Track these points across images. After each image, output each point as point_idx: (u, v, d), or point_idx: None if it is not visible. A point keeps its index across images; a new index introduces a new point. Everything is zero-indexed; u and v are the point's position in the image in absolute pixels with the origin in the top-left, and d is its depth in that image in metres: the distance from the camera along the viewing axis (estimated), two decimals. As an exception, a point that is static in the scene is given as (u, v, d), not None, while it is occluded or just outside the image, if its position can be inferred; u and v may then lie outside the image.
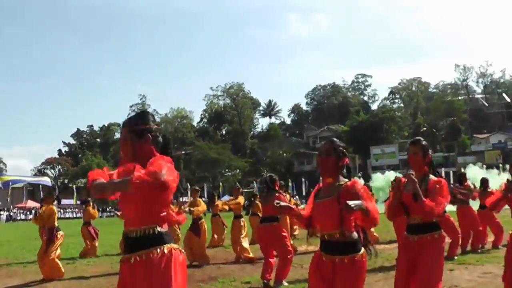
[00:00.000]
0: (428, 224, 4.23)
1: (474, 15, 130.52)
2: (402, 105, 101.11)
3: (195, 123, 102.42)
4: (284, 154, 79.34)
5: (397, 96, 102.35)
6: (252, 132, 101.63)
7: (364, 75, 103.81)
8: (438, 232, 4.25)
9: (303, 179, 57.75)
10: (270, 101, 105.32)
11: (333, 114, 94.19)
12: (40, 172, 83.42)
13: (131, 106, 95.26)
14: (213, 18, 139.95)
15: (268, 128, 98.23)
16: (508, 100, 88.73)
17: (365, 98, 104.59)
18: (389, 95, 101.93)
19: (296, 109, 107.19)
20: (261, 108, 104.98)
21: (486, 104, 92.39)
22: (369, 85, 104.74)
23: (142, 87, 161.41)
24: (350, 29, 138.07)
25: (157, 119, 3.35)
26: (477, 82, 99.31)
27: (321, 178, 3.87)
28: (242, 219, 11.79)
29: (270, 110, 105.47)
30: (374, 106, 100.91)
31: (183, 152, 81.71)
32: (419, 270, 4.11)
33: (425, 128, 79.70)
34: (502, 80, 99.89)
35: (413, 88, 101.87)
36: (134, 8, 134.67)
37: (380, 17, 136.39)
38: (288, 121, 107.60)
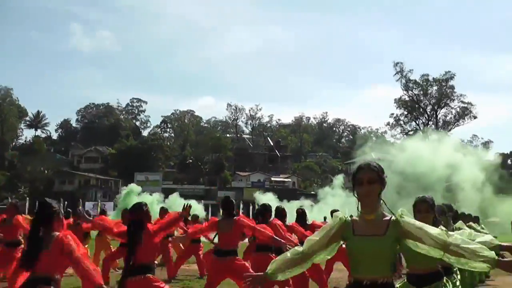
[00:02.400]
0: None
1: (244, 59, 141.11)
2: (173, 135, 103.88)
3: None
4: (46, 171, 75.32)
5: (169, 125, 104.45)
6: (14, 143, 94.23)
7: (139, 100, 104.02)
8: None
9: (61, 199, 55.39)
10: (38, 112, 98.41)
11: (103, 135, 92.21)
12: None
13: None
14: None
15: (32, 141, 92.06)
16: (272, 143, 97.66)
17: (138, 123, 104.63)
18: (161, 123, 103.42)
19: (64, 125, 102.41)
20: (27, 118, 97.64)
21: (251, 145, 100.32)
22: (143, 111, 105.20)
23: None
24: (133, 51, 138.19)
25: None
26: (246, 123, 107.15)
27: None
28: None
29: (37, 121, 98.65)
30: (145, 133, 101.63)
31: None
32: None
33: (191, 160, 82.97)
34: (268, 125, 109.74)
35: (186, 120, 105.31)
36: None
37: (163, 45, 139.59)
38: (54, 136, 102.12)
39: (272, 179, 77.11)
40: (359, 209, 3.39)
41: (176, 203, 30.74)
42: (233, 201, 7.46)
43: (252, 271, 6.46)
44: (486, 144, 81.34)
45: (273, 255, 7.19)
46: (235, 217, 7.12)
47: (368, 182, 3.30)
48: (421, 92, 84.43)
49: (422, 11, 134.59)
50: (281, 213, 8.60)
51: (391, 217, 3.33)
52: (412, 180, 35.01)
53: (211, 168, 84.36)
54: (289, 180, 79.76)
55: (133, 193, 32.15)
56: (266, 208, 8.37)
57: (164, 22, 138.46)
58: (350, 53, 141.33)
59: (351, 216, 3.45)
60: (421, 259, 3.87)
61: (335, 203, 31.89)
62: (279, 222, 8.00)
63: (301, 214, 9.19)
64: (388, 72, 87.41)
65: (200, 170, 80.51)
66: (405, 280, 4.23)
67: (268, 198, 32.85)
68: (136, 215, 5.70)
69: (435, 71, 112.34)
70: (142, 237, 5.48)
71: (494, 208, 35.30)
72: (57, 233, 4.33)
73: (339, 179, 45.76)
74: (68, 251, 4.22)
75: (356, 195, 3.39)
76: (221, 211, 7.55)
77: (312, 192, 62.96)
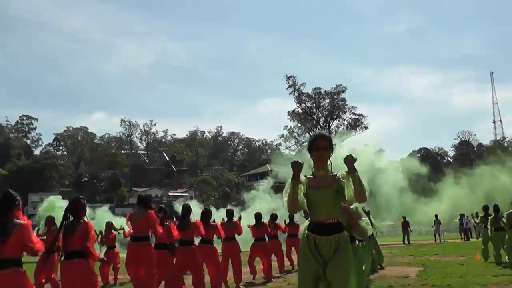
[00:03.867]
0: None
1: (136, 73, 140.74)
2: (66, 153, 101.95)
3: None
4: None
5: (62, 143, 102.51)
6: None
7: (29, 117, 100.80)
8: None
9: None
10: None
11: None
12: None
13: None
14: None
15: None
16: (167, 158, 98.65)
17: (29, 141, 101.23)
18: (53, 141, 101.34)
19: None
20: None
21: (147, 161, 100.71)
22: (34, 129, 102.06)
23: None
24: (20, 66, 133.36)
25: None
26: (141, 139, 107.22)
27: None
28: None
29: None
30: (37, 151, 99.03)
31: None
32: None
33: (86, 178, 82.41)
34: (163, 140, 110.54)
35: (79, 138, 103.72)
36: None
37: (51, 59, 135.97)
38: None
39: (170, 193, 78.50)
40: (312, 169, 4.65)
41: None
42: (150, 196, 9.50)
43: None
44: (378, 153, 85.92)
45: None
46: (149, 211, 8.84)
47: (323, 148, 4.56)
48: (314, 105, 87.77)
49: (313, 26, 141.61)
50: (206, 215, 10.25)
51: (336, 174, 4.56)
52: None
53: (107, 185, 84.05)
54: (186, 194, 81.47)
55: (56, 206, 31.61)
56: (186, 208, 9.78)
57: (53, 35, 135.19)
58: (243, 66, 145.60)
59: (305, 176, 4.56)
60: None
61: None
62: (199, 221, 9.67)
63: (205, 213, 10.39)
64: (281, 85, 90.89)
65: (96, 188, 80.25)
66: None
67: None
68: (74, 204, 6.26)
69: (327, 85, 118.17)
70: (77, 226, 6.12)
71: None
72: (21, 221, 5.00)
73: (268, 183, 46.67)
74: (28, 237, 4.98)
75: (312, 157, 4.64)
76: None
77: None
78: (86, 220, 6.26)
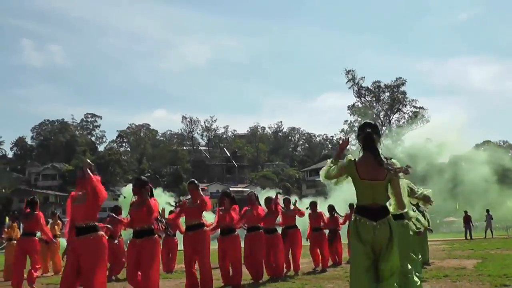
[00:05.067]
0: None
1: (197, 71, 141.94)
2: (129, 149, 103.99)
3: None
4: (3, 190, 74.67)
5: (125, 140, 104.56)
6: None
7: (94, 115, 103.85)
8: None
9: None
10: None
11: (59, 151, 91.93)
12: None
13: None
14: None
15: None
16: (228, 154, 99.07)
17: (93, 138, 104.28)
18: (117, 138, 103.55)
19: (20, 143, 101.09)
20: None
21: (208, 156, 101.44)
22: (98, 126, 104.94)
23: None
24: (84, 66, 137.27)
25: None
26: (202, 135, 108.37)
27: None
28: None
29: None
30: (101, 148, 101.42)
31: None
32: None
33: (149, 174, 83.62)
34: (224, 136, 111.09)
35: (142, 134, 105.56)
36: None
37: (114, 59, 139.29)
38: (10, 154, 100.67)
39: (231, 189, 78.31)
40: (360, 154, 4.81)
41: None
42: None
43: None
44: (439, 146, 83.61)
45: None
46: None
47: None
48: (374, 99, 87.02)
49: (372, 20, 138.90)
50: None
51: (387, 160, 4.78)
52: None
53: (169, 180, 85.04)
54: (247, 189, 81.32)
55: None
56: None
57: (115, 35, 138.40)
58: (303, 61, 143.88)
59: (354, 159, 4.75)
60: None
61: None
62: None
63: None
64: (341, 79, 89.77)
65: (158, 183, 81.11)
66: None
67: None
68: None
69: (386, 78, 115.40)
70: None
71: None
72: None
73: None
74: None
75: (360, 144, 4.84)
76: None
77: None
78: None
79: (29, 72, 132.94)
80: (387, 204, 4.80)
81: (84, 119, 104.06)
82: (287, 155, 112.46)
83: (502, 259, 13.04)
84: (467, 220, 31.04)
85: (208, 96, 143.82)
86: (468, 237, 29.66)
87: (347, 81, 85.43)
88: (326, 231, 13.14)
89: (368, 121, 5.06)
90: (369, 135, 4.72)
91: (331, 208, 13.72)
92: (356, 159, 4.73)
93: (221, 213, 9.09)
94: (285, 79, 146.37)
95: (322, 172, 4.88)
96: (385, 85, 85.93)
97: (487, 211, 31.87)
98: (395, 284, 4.54)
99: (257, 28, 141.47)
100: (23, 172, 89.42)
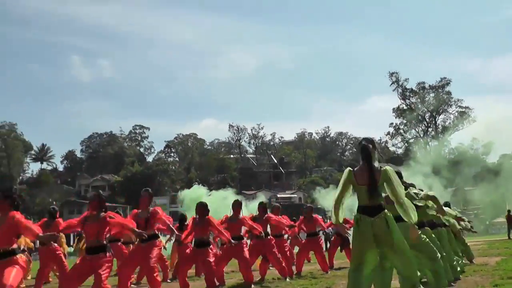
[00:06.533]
0: None
1: (242, 79, 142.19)
2: (177, 159, 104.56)
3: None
4: (54, 202, 75.88)
5: (173, 150, 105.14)
6: (21, 177, 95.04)
7: (142, 127, 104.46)
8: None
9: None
10: (43, 145, 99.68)
11: (107, 163, 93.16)
12: None
13: None
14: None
15: (39, 174, 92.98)
16: (275, 161, 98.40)
17: (141, 149, 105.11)
18: (165, 148, 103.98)
19: (70, 156, 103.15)
20: (32, 152, 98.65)
21: (255, 164, 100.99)
22: (147, 137, 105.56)
23: None
24: (131, 78, 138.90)
25: None
26: (249, 142, 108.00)
27: None
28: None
29: (42, 155, 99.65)
30: (149, 158, 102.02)
31: None
32: None
33: (196, 183, 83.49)
34: (271, 143, 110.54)
35: (189, 144, 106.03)
36: None
37: (160, 71, 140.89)
38: (60, 167, 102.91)
39: (278, 195, 77.50)
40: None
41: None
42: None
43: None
44: (487, 146, 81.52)
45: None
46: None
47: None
48: (419, 100, 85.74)
49: (412, 20, 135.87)
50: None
51: (381, 168, 5.49)
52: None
53: (217, 188, 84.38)
54: (295, 195, 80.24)
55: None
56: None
57: (162, 47, 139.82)
58: (346, 65, 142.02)
59: (353, 169, 5.58)
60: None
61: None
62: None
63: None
64: (385, 82, 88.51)
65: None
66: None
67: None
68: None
69: (431, 78, 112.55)
70: None
71: None
72: None
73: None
74: None
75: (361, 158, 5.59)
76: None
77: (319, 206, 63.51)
78: None
79: (78, 87, 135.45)
80: (382, 202, 5.54)
81: (133, 131, 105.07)
82: (335, 160, 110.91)
83: None
84: (510, 219, 30.71)
85: (255, 104, 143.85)
86: (511, 237, 29.23)
87: (391, 83, 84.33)
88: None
89: (365, 137, 5.86)
90: (364, 147, 5.56)
91: None
92: (354, 169, 5.59)
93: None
94: (331, 84, 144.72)
95: (336, 200, 5.55)
96: (429, 85, 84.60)
97: (508, 211, 31.26)
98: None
99: (301, 35, 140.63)
100: (73, 184, 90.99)
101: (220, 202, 25.73)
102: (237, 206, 10.03)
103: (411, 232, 5.75)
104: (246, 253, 9.65)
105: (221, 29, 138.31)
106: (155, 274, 7.94)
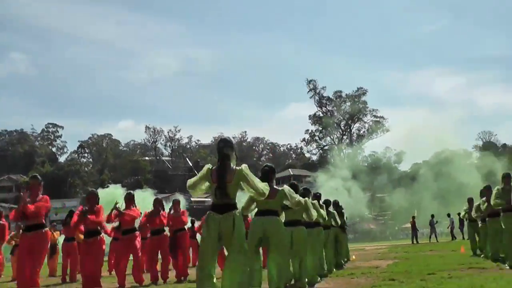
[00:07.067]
0: None
1: (162, 81, 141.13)
2: (91, 160, 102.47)
3: None
4: (-45, 203, 72.61)
5: (87, 150, 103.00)
6: None
7: (55, 125, 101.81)
8: None
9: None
10: None
11: (17, 163, 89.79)
12: None
13: None
14: None
15: None
16: (191, 164, 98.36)
17: (54, 149, 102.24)
18: (78, 148, 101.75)
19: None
20: None
21: (171, 167, 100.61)
22: (60, 136, 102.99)
23: None
24: (48, 75, 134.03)
25: None
26: (166, 145, 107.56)
27: None
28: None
29: None
30: (62, 159, 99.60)
31: None
32: None
33: (109, 185, 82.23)
34: (188, 146, 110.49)
35: (104, 145, 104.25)
36: None
37: (79, 68, 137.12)
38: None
39: (192, 199, 77.75)
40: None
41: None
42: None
43: None
44: (399, 155, 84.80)
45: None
46: None
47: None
48: (335, 108, 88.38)
49: (334, 30, 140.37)
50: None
51: (236, 168, 5.63)
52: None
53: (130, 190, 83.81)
54: (209, 199, 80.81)
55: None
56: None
57: (80, 44, 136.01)
58: (267, 71, 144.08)
59: (212, 167, 5.73)
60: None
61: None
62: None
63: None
64: (304, 89, 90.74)
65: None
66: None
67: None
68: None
69: (349, 88, 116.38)
70: None
71: None
72: None
73: None
74: None
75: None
76: None
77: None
78: None
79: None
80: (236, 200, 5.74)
81: (45, 129, 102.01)
82: (252, 164, 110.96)
83: (422, 259, 13.99)
84: (414, 225, 32.09)
85: (173, 106, 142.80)
86: (415, 242, 30.69)
87: (309, 91, 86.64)
88: None
89: (223, 138, 6.09)
90: (220, 148, 5.71)
91: None
92: (213, 167, 5.72)
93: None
94: (250, 90, 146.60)
95: (188, 183, 5.78)
96: (346, 94, 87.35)
97: (432, 216, 32.99)
98: (239, 265, 5.48)
99: (223, 39, 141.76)
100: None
101: (139, 204, 25.84)
102: (157, 203, 10.97)
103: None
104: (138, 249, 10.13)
105: (143, 29, 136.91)
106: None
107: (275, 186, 6.74)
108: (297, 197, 7.11)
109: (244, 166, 5.69)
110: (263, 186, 5.76)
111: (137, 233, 10.27)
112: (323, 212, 9.70)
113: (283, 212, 7.40)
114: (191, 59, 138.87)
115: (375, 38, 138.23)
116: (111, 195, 32.02)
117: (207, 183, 5.67)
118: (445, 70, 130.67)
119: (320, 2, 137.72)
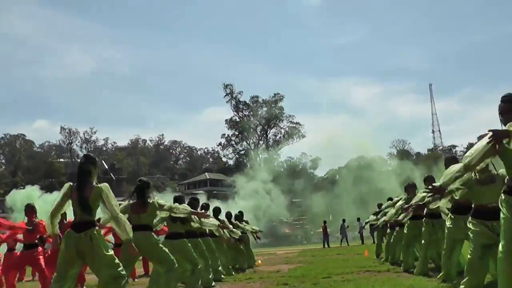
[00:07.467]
0: None
1: (79, 80, 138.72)
2: (3, 161, 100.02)
3: None
4: None
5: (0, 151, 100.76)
6: None
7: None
8: None
9: None
10: None
11: None
12: None
13: None
14: None
15: None
16: (106, 167, 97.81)
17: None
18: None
19: None
20: None
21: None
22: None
23: None
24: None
25: None
26: (81, 147, 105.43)
27: None
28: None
29: None
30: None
31: None
32: None
33: (22, 187, 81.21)
34: (104, 148, 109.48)
35: (17, 145, 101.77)
36: None
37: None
38: None
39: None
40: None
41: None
42: None
43: None
44: (314, 161, 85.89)
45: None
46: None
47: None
48: (251, 113, 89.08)
49: (253, 37, 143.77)
50: None
51: (96, 185, 5.73)
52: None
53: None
54: (125, 202, 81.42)
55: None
56: None
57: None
58: (185, 74, 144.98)
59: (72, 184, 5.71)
60: None
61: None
62: None
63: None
64: (221, 94, 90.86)
65: (32, 197, 79.30)
66: None
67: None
68: None
69: (265, 93, 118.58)
70: None
71: None
72: None
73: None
74: None
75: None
76: None
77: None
78: None
79: None
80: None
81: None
82: (169, 168, 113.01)
83: (324, 263, 14.40)
84: (325, 230, 33.22)
85: (90, 107, 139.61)
86: (326, 246, 31.52)
87: (225, 95, 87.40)
88: None
89: (86, 154, 6.30)
90: (82, 164, 5.81)
91: None
92: (74, 184, 5.72)
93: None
94: (169, 92, 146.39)
95: (51, 211, 5.67)
96: (263, 100, 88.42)
97: (343, 221, 34.32)
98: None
99: (142, 40, 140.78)
100: None
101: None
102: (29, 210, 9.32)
103: (129, 248, 6.18)
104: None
105: (59, 25, 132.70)
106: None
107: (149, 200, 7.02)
108: (167, 203, 7.38)
109: (103, 185, 5.72)
110: (118, 210, 5.77)
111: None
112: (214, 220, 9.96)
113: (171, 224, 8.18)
114: (107, 58, 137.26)
115: (292, 45, 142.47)
116: (28, 197, 31.66)
117: (68, 201, 5.67)
118: (363, 80, 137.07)
119: (238, 6, 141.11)
